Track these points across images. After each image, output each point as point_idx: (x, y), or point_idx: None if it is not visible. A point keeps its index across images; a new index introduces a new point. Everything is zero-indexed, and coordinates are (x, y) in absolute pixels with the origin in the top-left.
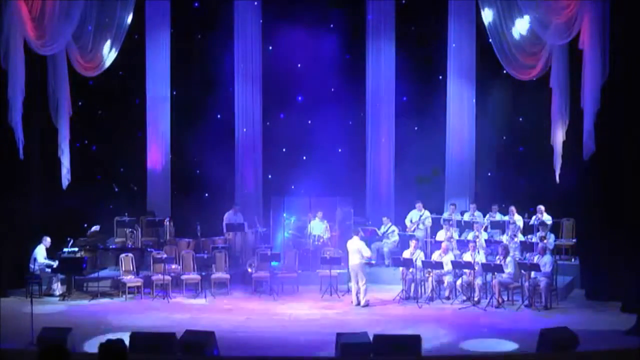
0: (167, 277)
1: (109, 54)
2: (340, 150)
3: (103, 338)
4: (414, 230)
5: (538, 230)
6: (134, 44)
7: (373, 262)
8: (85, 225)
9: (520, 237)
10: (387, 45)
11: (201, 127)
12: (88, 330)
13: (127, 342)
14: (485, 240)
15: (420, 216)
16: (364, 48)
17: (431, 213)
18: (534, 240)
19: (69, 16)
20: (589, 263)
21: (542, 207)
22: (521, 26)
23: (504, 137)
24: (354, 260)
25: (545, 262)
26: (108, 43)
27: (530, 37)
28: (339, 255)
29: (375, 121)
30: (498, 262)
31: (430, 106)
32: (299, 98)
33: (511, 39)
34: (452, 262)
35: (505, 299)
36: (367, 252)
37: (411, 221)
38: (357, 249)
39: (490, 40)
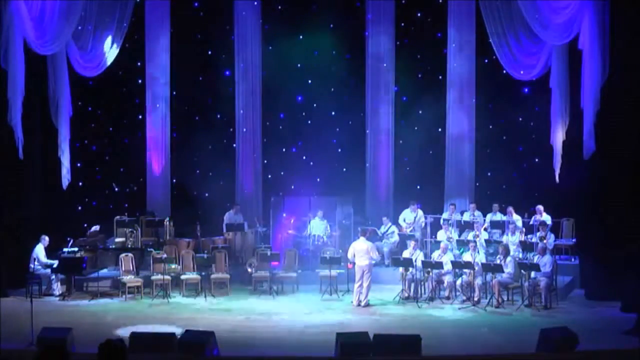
0: (167, 277)
1: (109, 54)
2: (340, 150)
3: (103, 338)
4: (411, 231)
5: (538, 230)
6: (134, 44)
7: (373, 261)
8: (85, 225)
9: (519, 237)
10: (386, 45)
11: (201, 127)
12: (88, 330)
13: (127, 342)
14: (485, 240)
15: (415, 216)
16: (364, 48)
17: (431, 213)
18: (534, 240)
19: (69, 16)
20: (589, 263)
21: (541, 207)
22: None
23: (504, 137)
24: (363, 261)
25: (545, 262)
26: (108, 42)
27: (530, 37)
28: (339, 255)
29: (375, 121)
30: (498, 262)
31: (430, 106)
32: (299, 98)
33: (511, 39)
34: (452, 262)
35: (505, 299)
36: (375, 255)
37: (404, 221)
38: (365, 250)
39: (491, 40)
